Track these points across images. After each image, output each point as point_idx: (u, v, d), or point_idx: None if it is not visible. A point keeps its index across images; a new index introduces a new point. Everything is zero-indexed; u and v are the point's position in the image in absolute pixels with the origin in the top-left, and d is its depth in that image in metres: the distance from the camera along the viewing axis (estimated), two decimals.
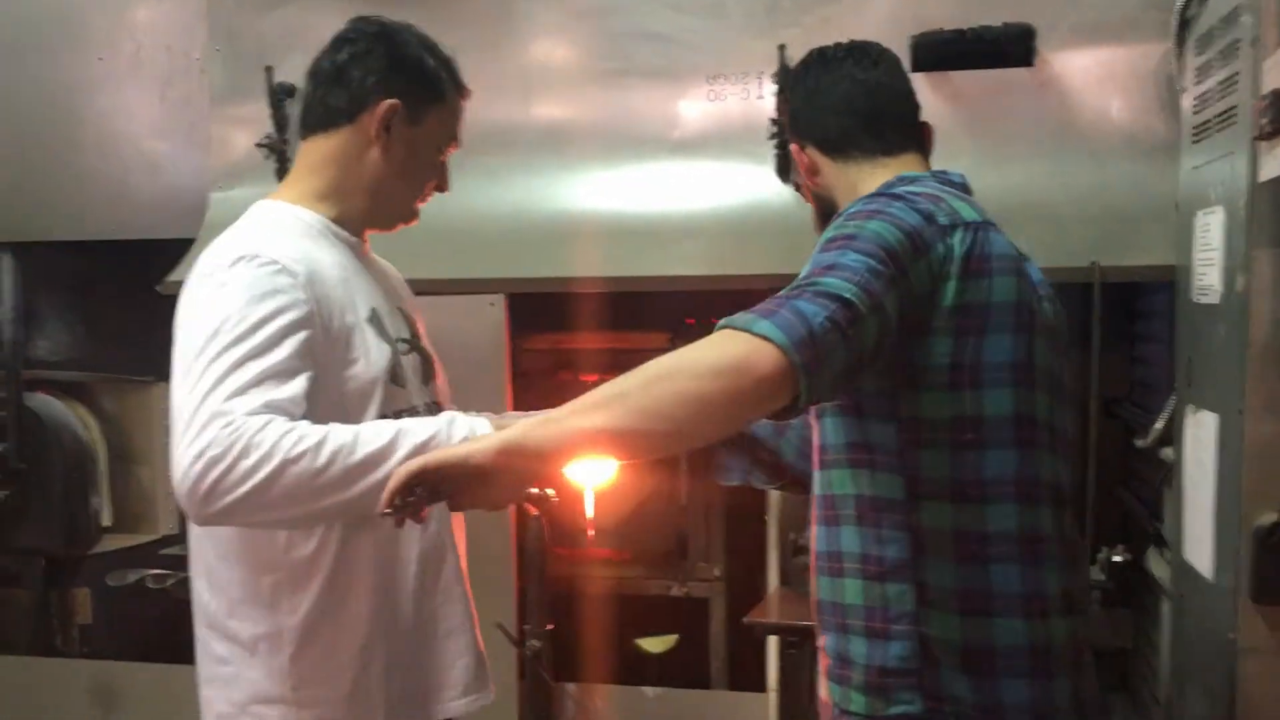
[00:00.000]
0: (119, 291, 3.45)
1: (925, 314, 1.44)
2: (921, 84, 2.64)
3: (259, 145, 3.05)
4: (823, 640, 1.61)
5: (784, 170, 2.76)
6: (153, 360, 3.62)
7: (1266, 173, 1.48)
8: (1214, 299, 1.97)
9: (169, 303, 2.99)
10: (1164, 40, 2.39)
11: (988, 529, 1.48)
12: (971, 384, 1.46)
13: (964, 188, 1.62)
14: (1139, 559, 2.56)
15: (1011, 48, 2.61)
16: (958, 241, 1.45)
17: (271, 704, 1.62)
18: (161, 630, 3.70)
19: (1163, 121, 2.55)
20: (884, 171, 1.64)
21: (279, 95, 3.03)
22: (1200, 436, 2.03)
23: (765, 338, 1.27)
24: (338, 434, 1.44)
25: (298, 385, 1.47)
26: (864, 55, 1.73)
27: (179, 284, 3.09)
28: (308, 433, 1.42)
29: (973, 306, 1.45)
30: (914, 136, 1.70)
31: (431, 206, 2.99)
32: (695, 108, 2.84)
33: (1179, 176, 2.31)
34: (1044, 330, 1.52)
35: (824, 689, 1.61)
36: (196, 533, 1.66)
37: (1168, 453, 2.31)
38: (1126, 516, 2.80)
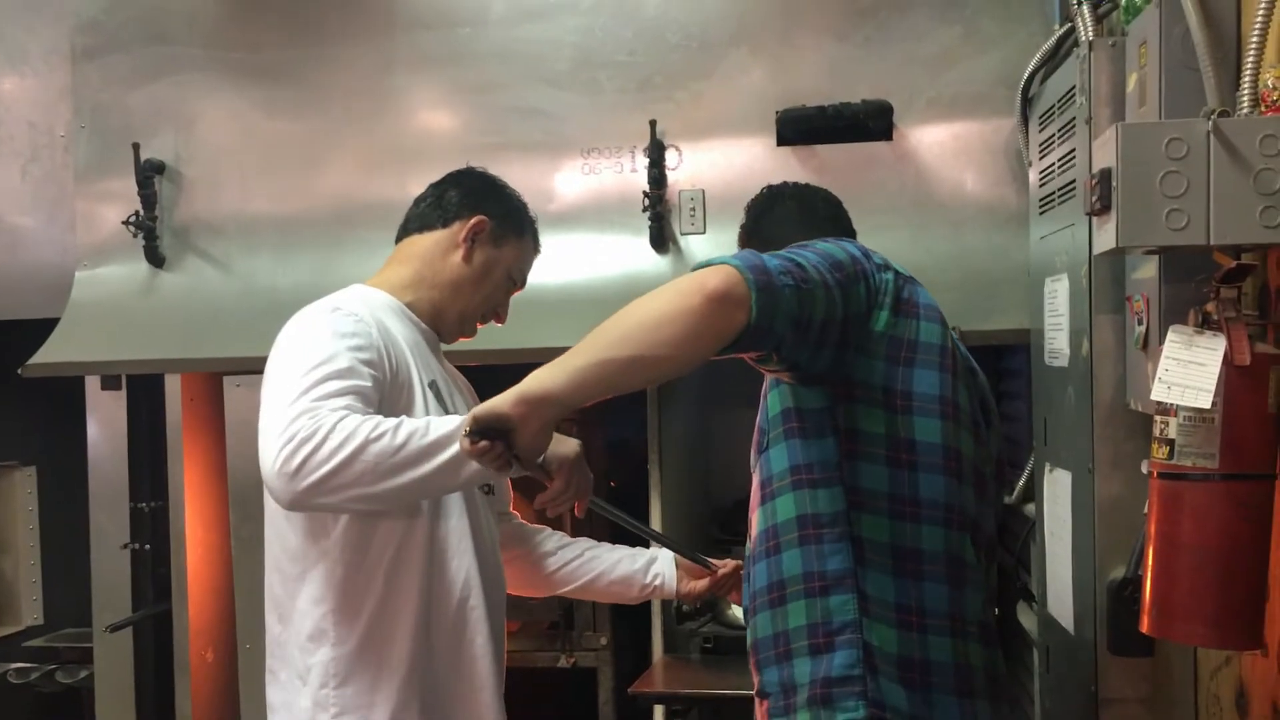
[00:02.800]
0: None
1: (860, 334, 1.54)
2: (788, 157, 2.77)
3: (125, 223, 2.99)
4: (758, 684, 1.63)
5: (660, 241, 2.82)
6: (13, 445, 3.50)
7: (1099, 246, 1.57)
8: (1063, 362, 2.07)
9: (32, 385, 2.95)
10: (1013, 116, 2.52)
11: (921, 547, 1.56)
12: (903, 409, 1.56)
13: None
14: (1011, 611, 2.64)
15: (871, 122, 2.73)
16: (890, 279, 1.59)
17: None
18: None
19: (1015, 192, 2.69)
20: None
21: (146, 172, 2.99)
22: (1057, 494, 2.12)
23: (723, 263, 1.40)
24: (411, 420, 1.60)
25: (373, 403, 1.65)
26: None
27: (43, 365, 3.01)
28: (384, 419, 1.59)
29: (902, 340, 1.57)
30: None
31: (307, 279, 3.00)
32: (571, 181, 2.89)
33: (1030, 244, 2.43)
34: (965, 379, 1.63)
35: None
36: (267, 566, 1.83)
37: (1030, 509, 2.40)
38: (1000, 571, 2.88)
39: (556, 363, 1.45)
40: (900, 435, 1.55)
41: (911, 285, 1.61)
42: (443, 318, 1.92)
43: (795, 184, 2.06)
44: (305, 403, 1.58)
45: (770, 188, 2.05)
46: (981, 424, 1.66)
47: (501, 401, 1.47)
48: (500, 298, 1.96)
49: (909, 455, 1.55)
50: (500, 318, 1.99)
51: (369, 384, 1.67)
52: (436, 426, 1.59)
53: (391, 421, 1.58)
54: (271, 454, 1.56)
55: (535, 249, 2.02)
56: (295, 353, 1.68)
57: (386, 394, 1.71)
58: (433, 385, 1.83)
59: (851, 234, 1.93)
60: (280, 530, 1.79)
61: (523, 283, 2.01)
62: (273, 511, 1.79)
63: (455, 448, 1.56)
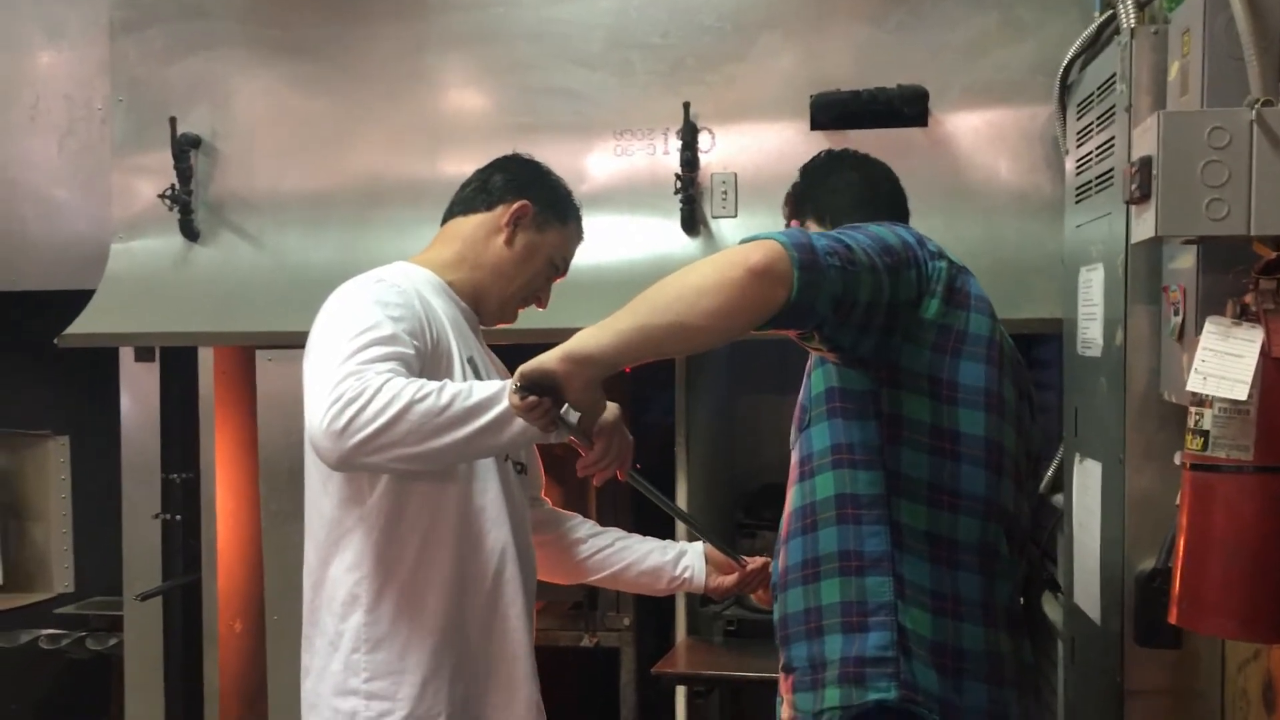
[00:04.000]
0: (15, 344, 3.37)
1: (909, 321, 1.53)
2: (821, 141, 2.75)
3: (161, 196, 3.02)
4: (785, 658, 1.64)
5: (691, 224, 2.82)
6: (50, 414, 3.55)
7: (1137, 235, 1.56)
8: (1096, 352, 2.06)
9: (67, 355, 2.98)
10: (1049, 104, 2.50)
11: (957, 537, 1.56)
12: (949, 399, 1.56)
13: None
14: (1036, 602, 2.63)
15: (906, 108, 2.71)
16: (944, 267, 1.58)
17: (345, 696, 1.76)
18: (56, 692, 3.59)
19: (1049, 180, 2.66)
20: None
21: (183, 146, 3.01)
22: (1087, 485, 2.11)
23: (770, 238, 1.41)
24: (455, 383, 1.64)
25: (414, 371, 1.68)
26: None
27: (78, 336, 3.05)
28: (428, 381, 1.62)
29: (951, 329, 1.56)
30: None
31: (337, 256, 3.02)
32: (603, 162, 2.89)
33: (1064, 234, 2.41)
34: (1010, 375, 1.62)
35: (787, 708, 1.63)
36: (306, 533, 1.83)
37: (1058, 499, 2.39)
38: (1026, 561, 2.87)
39: (601, 325, 1.48)
40: (944, 425, 1.55)
41: (964, 275, 1.61)
42: (483, 299, 1.93)
43: (858, 154, 1.98)
44: (352, 365, 1.61)
45: (831, 152, 1.98)
46: (1026, 417, 1.65)
47: (548, 358, 1.51)
48: (541, 283, 1.97)
49: (952, 446, 1.55)
50: (542, 303, 2.01)
51: (411, 352, 1.69)
52: (480, 389, 1.63)
53: (435, 384, 1.61)
54: (319, 413, 1.58)
55: (579, 236, 2.03)
56: (341, 320, 1.71)
57: (426, 365, 1.74)
58: (470, 360, 1.85)
59: (905, 217, 1.88)
60: (316, 498, 1.81)
61: (565, 269, 2.02)
62: (311, 478, 1.81)
63: (498, 408, 1.59)
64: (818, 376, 1.63)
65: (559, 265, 1.99)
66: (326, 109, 3.05)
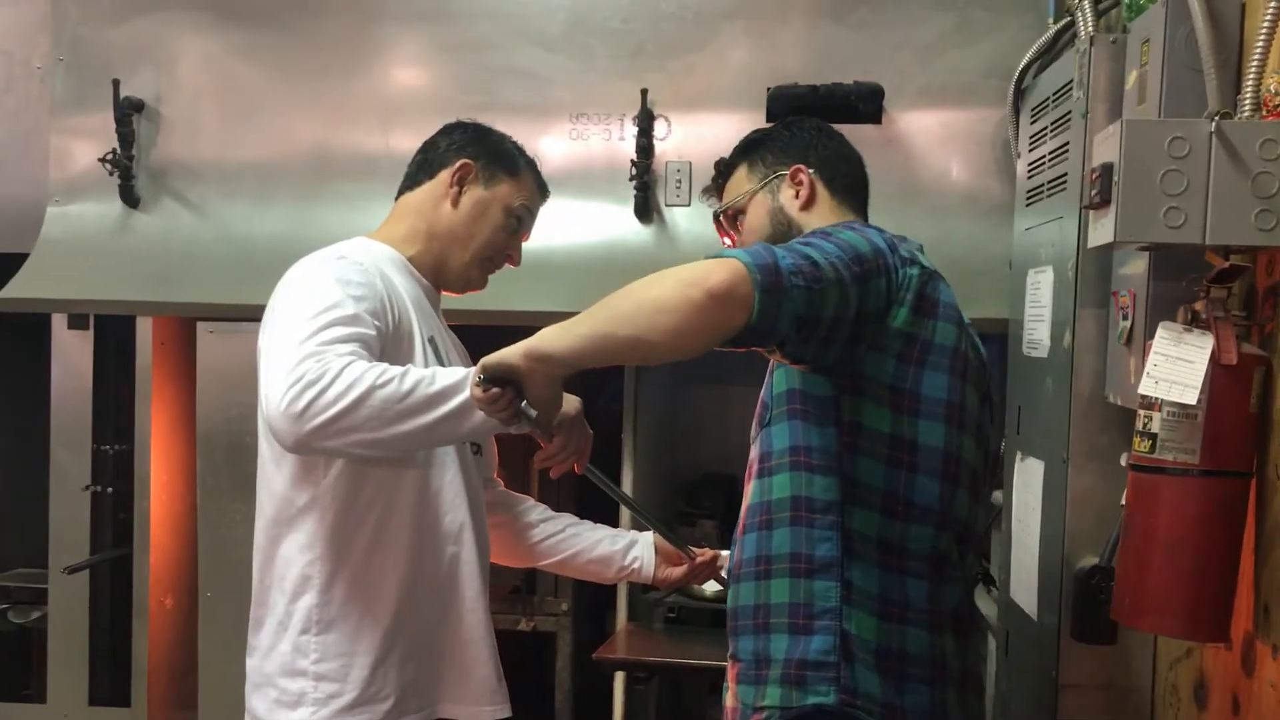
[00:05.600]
0: None
1: (875, 330, 1.53)
2: None
3: (102, 160, 2.94)
4: (733, 648, 1.65)
5: (645, 211, 2.82)
6: None
7: (1095, 240, 1.59)
8: (1042, 353, 2.10)
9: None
10: (1002, 107, 2.54)
11: (908, 545, 1.57)
12: (909, 410, 1.56)
13: (919, 247, 1.71)
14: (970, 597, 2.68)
15: (862, 105, 2.73)
16: (914, 275, 1.57)
17: (293, 677, 1.74)
18: None
19: (999, 184, 2.71)
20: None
21: (125, 109, 2.93)
22: (1028, 482, 2.15)
23: (734, 258, 1.39)
24: (417, 369, 1.61)
25: (375, 353, 1.65)
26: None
27: (10, 301, 2.95)
28: (390, 366, 1.59)
29: (918, 339, 1.56)
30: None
31: (284, 229, 2.97)
32: (558, 145, 2.87)
33: (1013, 236, 2.45)
34: (974, 382, 1.63)
35: (731, 697, 1.64)
36: (257, 512, 1.80)
37: (997, 496, 2.44)
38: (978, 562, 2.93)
39: (564, 326, 1.47)
40: (904, 436, 1.55)
41: (935, 281, 1.60)
42: (445, 268, 1.90)
43: (839, 132, 1.88)
44: (312, 345, 1.58)
45: (819, 123, 1.87)
46: (986, 424, 1.66)
47: (511, 353, 1.50)
48: (504, 239, 1.92)
49: (910, 457, 1.56)
50: (513, 260, 1.96)
51: (373, 333, 1.66)
52: (443, 376, 1.60)
53: (398, 369, 1.59)
54: (277, 394, 1.55)
55: (540, 189, 1.98)
56: (301, 296, 1.67)
57: (388, 346, 1.71)
58: (431, 341, 1.83)
59: (864, 212, 1.84)
60: (269, 475, 1.77)
61: (530, 223, 1.96)
62: (264, 455, 1.78)
63: (460, 397, 1.57)
64: (780, 375, 1.63)
65: (520, 216, 1.93)
66: (277, 78, 2.99)
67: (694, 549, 2.07)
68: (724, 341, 1.42)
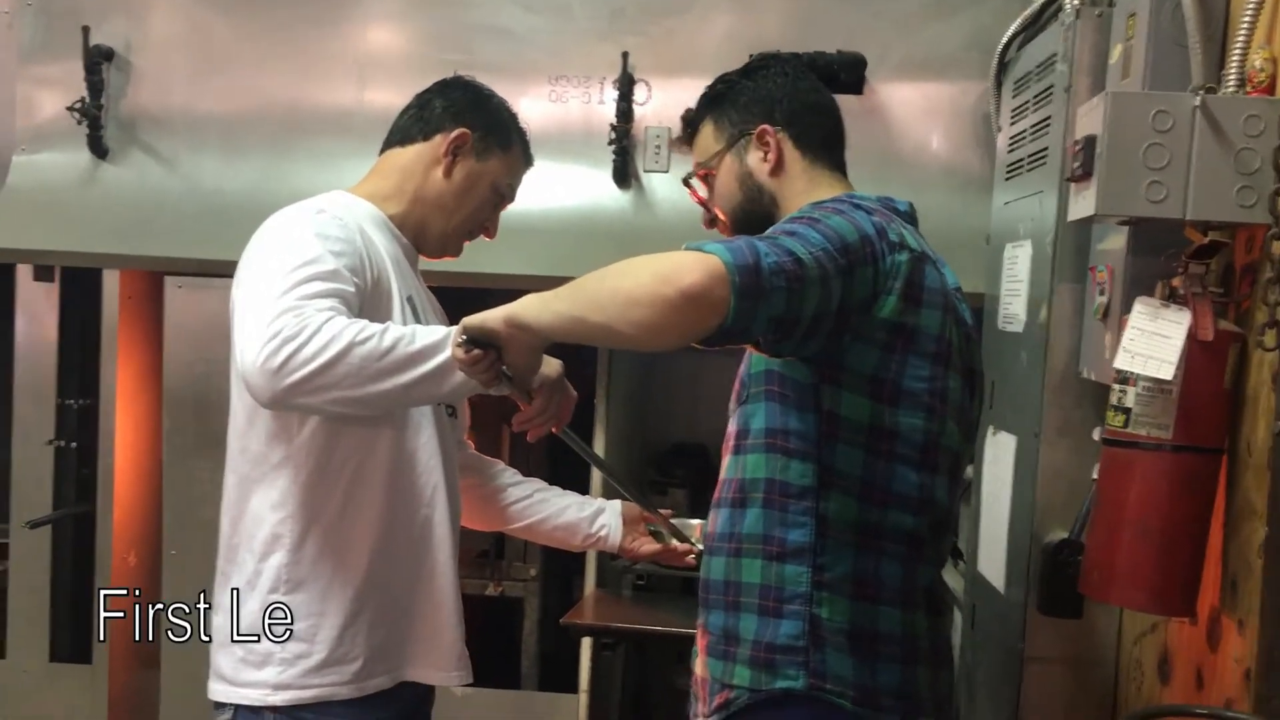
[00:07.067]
0: None
1: (860, 320, 1.49)
2: None
3: (70, 109, 2.88)
4: (704, 619, 1.64)
5: (623, 176, 2.79)
6: None
7: (1075, 213, 1.58)
8: (1018, 328, 2.10)
9: None
10: (983, 80, 2.52)
11: (884, 529, 1.55)
12: (890, 400, 1.53)
13: (909, 216, 1.67)
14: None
15: (844, 74, 2.71)
16: (904, 261, 1.51)
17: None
18: None
19: (978, 157, 2.70)
20: (839, 186, 1.70)
21: (95, 58, 2.88)
22: (999, 457, 2.15)
23: (714, 255, 1.35)
24: (397, 327, 1.58)
25: (354, 310, 1.62)
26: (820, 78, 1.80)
27: None
28: (370, 323, 1.56)
29: (904, 327, 1.52)
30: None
31: (255, 183, 2.92)
32: (536, 107, 2.83)
33: (991, 210, 2.45)
34: (958, 366, 1.59)
35: (701, 666, 1.64)
36: (227, 468, 1.78)
37: (968, 471, 2.44)
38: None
39: (544, 299, 1.45)
40: (884, 426, 1.53)
41: (923, 265, 1.54)
42: (426, 233, 1.87)
43: (808, 74, 1.79)
44: (290, 300, 1.54)
45: (786, 65, 1.78)
46: (967, 400, 1.62)
47: (492, 317, 1.48)
48: (487, 213, 1.91)
49: (889, 446, 1.53)
50: (490, 233, 1.94)
51: (351, 289, 1.63)
52: (423, 335, 1.57)
53: (377, 326, 1.55)
54: (254, 349, 1.51)
55: (526, 162, 1.96)
56: (279, 250, 1.63)
57: (366, 303, 1.68)
58: (410, 300, 1.80)
59: (841, 165, 1.76)
60: (241, 430, 1.74)
61: (512, 197, 1.95)
62: (236, 410, 1.75)
63: (441, 357, 1.55)
64: (757, 355, 1.60)
65: (505, 193, 1.92)
66: (250, 29, 2.94)
67: (679, 544, 2.03)
68: (697, 340, 1.39)
